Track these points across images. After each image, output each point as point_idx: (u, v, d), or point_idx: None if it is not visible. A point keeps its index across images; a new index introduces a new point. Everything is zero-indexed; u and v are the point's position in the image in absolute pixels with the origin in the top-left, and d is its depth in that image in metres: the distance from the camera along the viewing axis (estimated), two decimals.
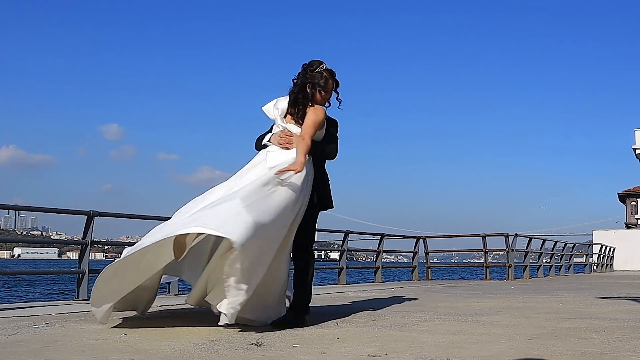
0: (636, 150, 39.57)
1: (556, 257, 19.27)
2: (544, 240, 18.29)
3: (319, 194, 4.08)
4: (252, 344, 3.10)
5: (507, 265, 14.64)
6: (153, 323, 4.00)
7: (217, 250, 3.90)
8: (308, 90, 4.02)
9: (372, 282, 12.18)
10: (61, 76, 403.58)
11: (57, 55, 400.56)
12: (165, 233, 3.59)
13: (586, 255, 24.35)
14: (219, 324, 3.51)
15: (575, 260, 22.60)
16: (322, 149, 4.08)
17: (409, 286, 10.03)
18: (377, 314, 4.60)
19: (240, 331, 3.53)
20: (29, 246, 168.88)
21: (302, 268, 4.07)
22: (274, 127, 4.12)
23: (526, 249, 16.18)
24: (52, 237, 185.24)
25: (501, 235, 14.93)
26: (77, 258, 7.86)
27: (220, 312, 3.52)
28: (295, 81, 4.07)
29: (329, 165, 4.25)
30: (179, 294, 7.24)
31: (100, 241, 9.46)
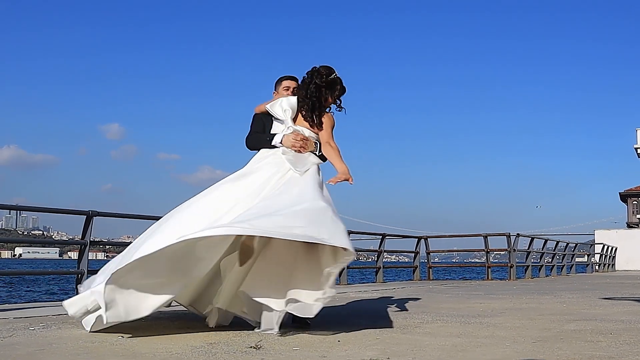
0: (638, 150, 39.51)
1: (558, 257, 19.20)
2: (546, 240, 18.21)
3: None
4: (250, 347, 3.03)
5: (509, 265, 14.58)
6: (150, 326, 3.93)
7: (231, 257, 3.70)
8: (324, 95, 4.02)
9: (374, 282, 12.12)
10: (62, 76, 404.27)
11: (58, 55, 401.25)
12: (258, 229, 3.29)
13: (588, 255, 24.27)
14: (308, 317, 3.50)
15: (577, 260, 22.52)
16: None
17: (410, 286, 9.97)
18: (378, 316, 4.54)
19: (238, 334, 3.46)
20: (30, 246, 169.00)
21: None
22: (275, 127, 4.03)
23: (528, 248, 16.11)
24: (53, 236, 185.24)
25: (503, 235, 14.87)
26: (86, 258, 7.75)
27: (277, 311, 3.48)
28: (309, 84, 4.00)
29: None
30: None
31: (99, 241, 9.41)
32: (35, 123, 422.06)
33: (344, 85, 4.06)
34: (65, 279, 24.59)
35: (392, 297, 6.90)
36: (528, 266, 15.91)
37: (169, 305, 4.22)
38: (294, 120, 4.01)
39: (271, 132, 4.03)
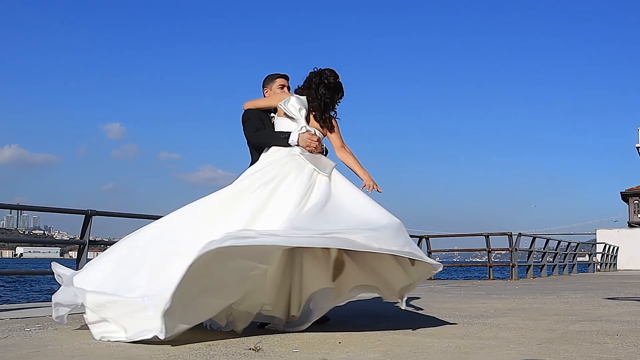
0: (639, 149, 39.40)
1: (559, 257, 19.13)
2: (548, 240, 18.13)
3: None
4: (249, 348, 2.97)
5: (511, 264, 14.51)
6: None
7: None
8: (334, 97, 4.02)
9: None
10: (63, 75, 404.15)
11: (59, 55, 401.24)
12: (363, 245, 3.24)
13: (590, 255, 24.20)
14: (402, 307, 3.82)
15: (579, 259, 22.46)
16: None
17: None
18: (379, 316, 4.47)
19: (237, 336, 3.39)
20: (32, 245, 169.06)
21: None
22: (281, 125, 3.94)
23: (530, 248, 16.04)
24: (54, 236, 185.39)
25: (504, 234, 14.80)
26: (85, 257, 7.67)
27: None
28: (319, 85, 3.95)
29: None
30: None
31: (98, 240, 9.35)
32: (37, 123, 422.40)
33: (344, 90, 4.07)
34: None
35: None
36: (530, 266, 15.84)
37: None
38: (306, 120, 3.96)
39: (278, 130, 3.94)
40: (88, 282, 3.49)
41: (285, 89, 4.20)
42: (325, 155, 4.04)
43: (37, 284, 23.91)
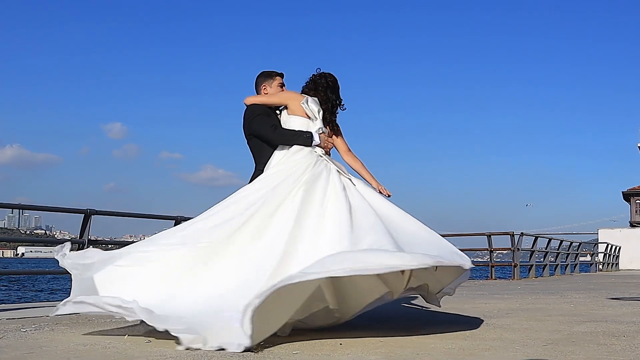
0: None
1: (562, 257, 19.05)
2: (550, 239, 18.05)
3: None
4: (249, 350, 2.90)
5: (513, 264, 14.43)
6: (145, 328, 3.82)
7: None
8: (338, 100, 4.02)
9: None
10: (64, 75, 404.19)
11: (60, 54, 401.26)
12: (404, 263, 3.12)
13: (592, 255, 24.11)
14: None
15: (580, 259, 22.37)
16: None
17: None
18: (381, 317, 4.39)
19: None
20: (32, 245, 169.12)
21: None
22: (294, 124, 3.86)
23: (532, 248, 15.96)
24: (55, 235, 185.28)
25: (506, 234, 14.71)
26: None
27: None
28: (326, 88, 3.94)
29: None
30: None
31: (98, 240, 9.30)
32: (38, 122, 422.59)
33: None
34: (66, 278, 24.48)
35: None
36: (532, 265, 15.77)
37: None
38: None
39: (299, 130, 3.85)
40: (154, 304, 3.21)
41: (284, 87, 4.12)
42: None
43: (38, 284, 23.89)
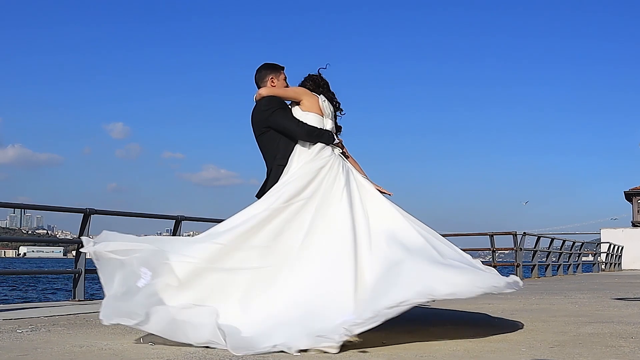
0: None
1: (564, 256, 18.96)
2: (552, 239, 17.96)
3: None
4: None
5: (516, 264, 14.34)
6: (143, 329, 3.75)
7: None
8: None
9: None
10: (66, 75, 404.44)
11: (62, 54, 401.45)
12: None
13: (594, 254, 24.01)
14: None
15: (583, 259, 22.28)
16: None
17: None
18: None
19: None
20: (34, 245, 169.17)
21: None
22: (308, 120, 3.73)
23: (534, 247, 15.88)
24: (57, 235, 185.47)
25: (509, 234, 14.63)
26: (83, 257, 7.51)
27: None
28: (328, 88, 3.88)
29: None
30: None
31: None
32: (40, 122, 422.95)
33: None
34: (66, 278, 24.43)
35: None
36: (534, 265, 15.68)
37: None
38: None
39: (320, 127, 3.74)
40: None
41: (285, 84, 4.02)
42: None
43: (40, 284, 23.85)
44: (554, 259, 17.91)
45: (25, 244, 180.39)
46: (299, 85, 3.93)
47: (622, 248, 26.61)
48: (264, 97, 3.77)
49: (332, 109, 3.83)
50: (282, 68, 3.94)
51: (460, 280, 3.02)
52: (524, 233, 14.77)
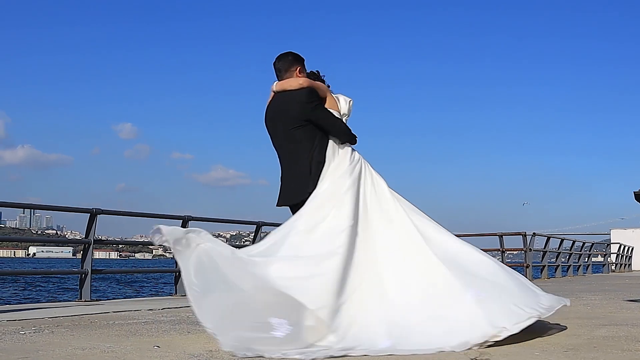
0: None
1: (574, 257, 18.80)
2: (562, 240, 17.82)
3: None
4: (251, 356, 2.76)
5: (525, 265, 14.22)
6: (147, 330, 3.70)
7: None
8: None
9: None
10: (75, 75, 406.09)
11: (71, 55, 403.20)
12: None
13: (604, 255, 23.81)
14: None
15: (593, 259, 22.10)
16: None
17: None
18: None
19: None
20: (44, 245, 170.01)
21: None
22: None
23: (544, 248, 15.74)
24: (66, 236, 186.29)
25: (518, 234, 14.51)
26: (90, 257, 7.46)
27: None
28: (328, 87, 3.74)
29: None
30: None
31: (104, 240, 9.21)
32: (49, 123, 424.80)
33: None
34: (75, 278, 24.45)
35: None
36: (544, 266, 15.55)
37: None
38: None
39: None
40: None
41: None
42: None
43: (48, 284, 23.89)
44: (564, 259, 17.76)
45: (35, 244, 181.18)
46: None
47: (633, 249, 26.38)
48: (304, 88, 3.50)
49: (346, 109, 3.68)
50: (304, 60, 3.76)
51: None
52: (534, 233, 14.66)
